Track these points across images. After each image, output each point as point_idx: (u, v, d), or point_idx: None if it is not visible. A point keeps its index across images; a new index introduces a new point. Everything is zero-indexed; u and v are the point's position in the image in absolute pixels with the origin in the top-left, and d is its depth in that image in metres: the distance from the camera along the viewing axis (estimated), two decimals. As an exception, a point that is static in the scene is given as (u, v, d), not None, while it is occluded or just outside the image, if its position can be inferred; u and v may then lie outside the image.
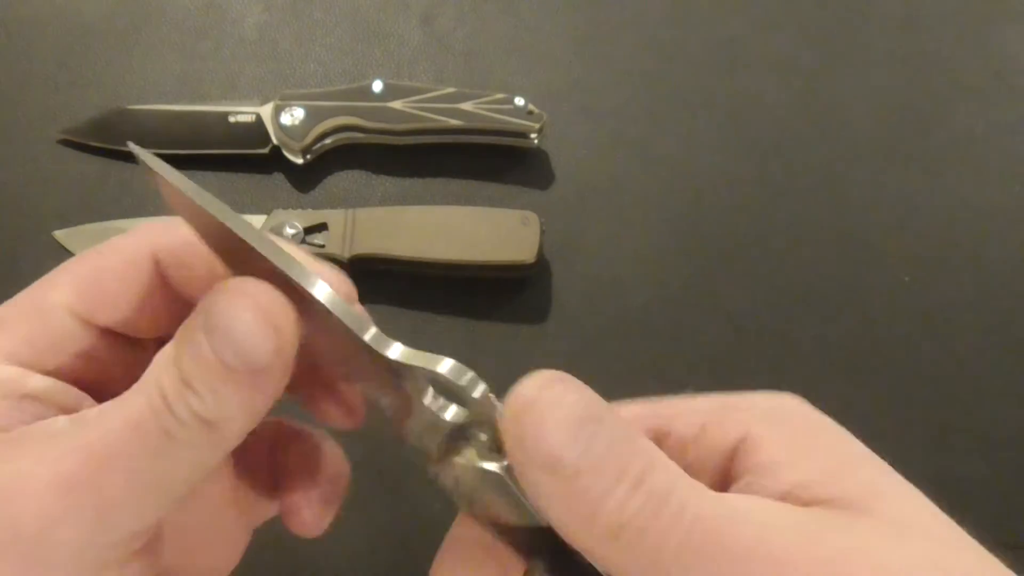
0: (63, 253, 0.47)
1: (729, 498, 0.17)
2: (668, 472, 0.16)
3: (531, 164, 0.51)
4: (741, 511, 0.17)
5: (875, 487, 0.18)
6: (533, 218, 0.46)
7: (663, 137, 0.52)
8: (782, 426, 0.20)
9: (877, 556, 0.16)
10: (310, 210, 0.47)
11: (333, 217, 0.46)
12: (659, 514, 0.16)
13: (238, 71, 0.53)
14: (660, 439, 0.22)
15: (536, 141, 0.50)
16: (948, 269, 0.49)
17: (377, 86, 0.49)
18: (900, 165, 0.52)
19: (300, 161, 0.49)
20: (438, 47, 0.54)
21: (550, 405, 0.17)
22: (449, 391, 0.19)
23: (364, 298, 0.24)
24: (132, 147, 0.20)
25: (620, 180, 0.51)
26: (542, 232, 0.46)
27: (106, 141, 0.50)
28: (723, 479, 0.21)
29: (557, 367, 0.18)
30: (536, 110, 0.49)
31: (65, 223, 0.48)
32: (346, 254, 0.45)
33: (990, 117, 0.53)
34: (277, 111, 0.49)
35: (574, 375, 0.18)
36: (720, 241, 0.49)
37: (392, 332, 0.20)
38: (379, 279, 0.46)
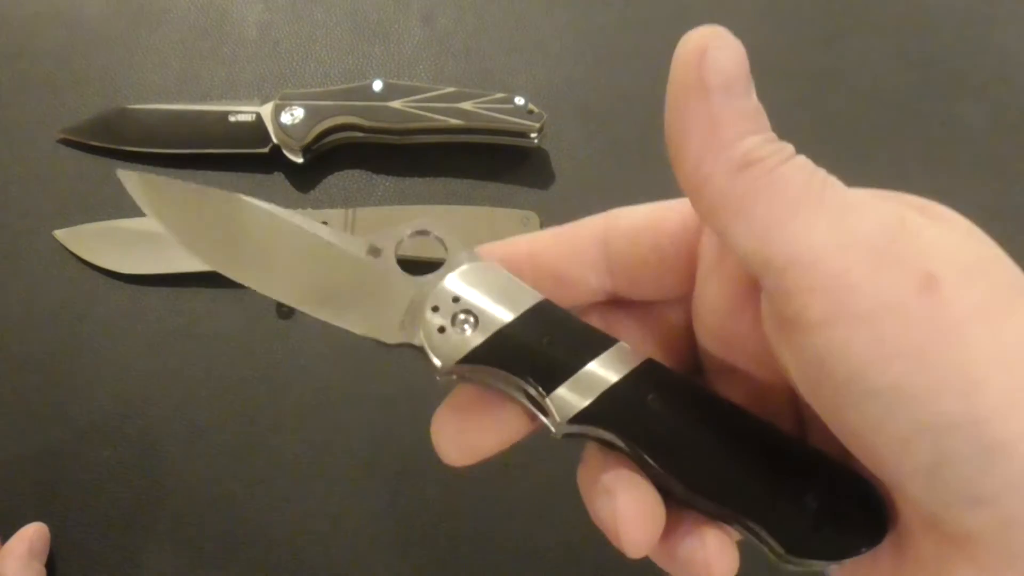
0: (63, 253, 0.47)
1: None
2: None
3: (531, 164, 0.51)
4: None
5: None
6: (533, 218, 0.46)
7: (663, 137, 0.52)
8: None
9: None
10: (310, 209, 0.47)
11: (333, 216, 0.46)
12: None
13: (238, 71, 0.53)
14: None
15: (536, 141, 0.50)
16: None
17: (377, 85, 0.49)
18: (901, 165, 0.52)
19: (300, 160, 0.49)
20: (438, 47, 0.54)
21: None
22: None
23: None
24: None
25: (620, 180, 0.51)
26: (542, 232, 0.46)
27: (106, 141, 0.50)
28: None
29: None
30: (536, 110, 0.49)
31: (65, 223, 0.48)
32: (346, 254, 0.45)
33: (991, 116, 0.53)
34: (277, 110, 0.49)
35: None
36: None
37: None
38: (379, 279, 0.46)
